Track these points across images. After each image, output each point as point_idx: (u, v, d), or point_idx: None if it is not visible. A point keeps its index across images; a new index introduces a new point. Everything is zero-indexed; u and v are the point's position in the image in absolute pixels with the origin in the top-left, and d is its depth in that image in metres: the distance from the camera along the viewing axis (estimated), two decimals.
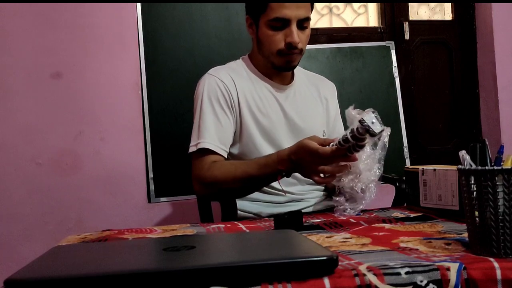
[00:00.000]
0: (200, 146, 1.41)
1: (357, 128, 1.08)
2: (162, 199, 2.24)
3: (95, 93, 2.19)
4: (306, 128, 1.51)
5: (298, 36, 1.40)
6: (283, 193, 1.43)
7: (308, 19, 1.42)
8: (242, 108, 1.46)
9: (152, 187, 2.22)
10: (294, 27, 1.39)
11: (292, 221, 1.07)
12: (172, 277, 0.64)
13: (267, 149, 1.46)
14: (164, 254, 0.75)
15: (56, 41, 2.16)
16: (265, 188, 1.46)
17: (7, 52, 2.12)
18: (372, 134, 1.07)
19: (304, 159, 1.20)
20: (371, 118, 1.06)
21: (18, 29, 2.13)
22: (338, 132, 1.61)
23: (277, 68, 1.47)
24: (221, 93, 1.45)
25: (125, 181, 2.21)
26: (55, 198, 2.14)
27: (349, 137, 1.10)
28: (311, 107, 1.56)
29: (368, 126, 1.06)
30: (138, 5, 2.23)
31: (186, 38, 2.27)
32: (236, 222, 1.27)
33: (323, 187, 1.57)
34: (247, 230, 1.13)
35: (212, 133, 1.41)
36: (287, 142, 1.45)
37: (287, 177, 1.30)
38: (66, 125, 2.16)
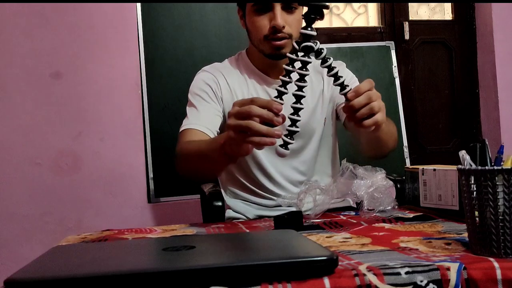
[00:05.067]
0: (181, 129, 1.39)
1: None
2: (162, 199, 2.24)
3: (95, 93, 2.19)
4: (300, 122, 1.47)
5: (284, 19, 1.35)
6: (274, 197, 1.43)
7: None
8: (225, 106, 1.44)
9: (152, 187, 2.22)
10: (278, 9, 1.34)
11: (292, 221, 1.07)
12: (172, 277, 0.64)
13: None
14: (164, 254, 0.75)
15: (56, 41, 2.16)
16: (257, 190, 1.47)
17: (7, 52, 2.12)
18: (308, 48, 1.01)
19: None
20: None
21: (18, 29, 2.13)
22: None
23: (267, 56, 1.42)
24: (208, 85, 1.43)
25: (125, 181, 2.21)
26: (55, 198, 2.14)
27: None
28: (309, 98, 1.49)
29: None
30: (138, 5, 2.23)
31: (186, 38, 2.28)
32: (236, 222, 1.27)
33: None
34: (247, 230, 1.13)
35: (190, 118, 1.40)
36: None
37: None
38: (66, 125, 2.16)
